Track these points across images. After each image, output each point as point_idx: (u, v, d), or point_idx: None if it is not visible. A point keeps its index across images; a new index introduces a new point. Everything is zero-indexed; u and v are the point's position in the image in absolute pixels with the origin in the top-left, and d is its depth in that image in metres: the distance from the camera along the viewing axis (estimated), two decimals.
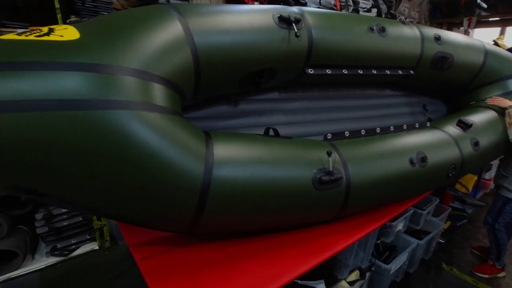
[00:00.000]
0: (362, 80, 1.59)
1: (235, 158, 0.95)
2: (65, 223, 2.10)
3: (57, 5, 1.70)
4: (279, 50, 1.17)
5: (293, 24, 1.16)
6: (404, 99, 1.87)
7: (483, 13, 5.70)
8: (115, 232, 2.31)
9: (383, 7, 3.86)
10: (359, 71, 1.47)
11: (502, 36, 7.38)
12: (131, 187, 0.81)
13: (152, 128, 0.80)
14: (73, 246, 2.16)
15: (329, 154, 1.09)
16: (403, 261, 1.66)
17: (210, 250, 1.06)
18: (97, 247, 2.23)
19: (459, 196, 2.81)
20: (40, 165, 0.73)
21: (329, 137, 1.46)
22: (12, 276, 1.92)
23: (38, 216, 2.00)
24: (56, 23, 1.74)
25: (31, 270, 1.97)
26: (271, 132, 1.21)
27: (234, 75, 1.12)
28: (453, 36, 1.80)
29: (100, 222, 2.21)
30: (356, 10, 3.42)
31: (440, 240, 2.27)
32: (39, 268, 2.00)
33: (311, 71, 1.33)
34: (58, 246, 2.10)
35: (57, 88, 0.71)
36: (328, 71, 1.38)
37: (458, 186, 3.02)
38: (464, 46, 1.78)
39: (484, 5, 5.38)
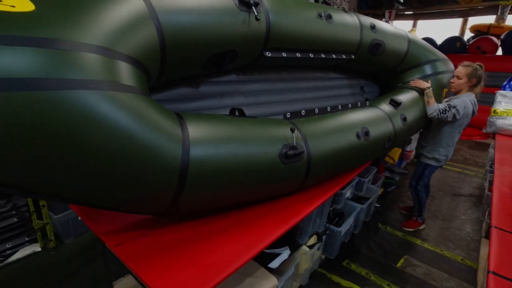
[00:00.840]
0: (312, 64, 1.72)
1: (209, 138, 0.97)
2: None
3: None
4: (240, 33, 1.20)
5: (253, 7, 1.20)
6: (346, 81, 2.08)
7: (401, 7, 6.47)
8: (60, 230, 2.11)
9: None
10: (310, 54, 1.59)
11: (414, 28, 8.49)
12: (108, 172, 0.78)
13: (124, 109, 0.78)
14: (8, 251, 1.93)
15: (292, 130, 1.19)
16: (350, 223, 1.90)
17: (186, 229, 1.09)
18: (39, 249, 2.03)
19: (388, 166, 3.26)
20: (9, 151, 0.66)
21: (288, 116, 1.56)
22: None
23: None
24: None
25: None
26: (236, 113, 1.25)
27: (199, 56, 1.12)
28: (384, 25, 2.04)
29: (42, 221, 2.00)
30: None
31: (376, 205, 2.63)
32: None
33: (268, 54, 1.40)
34: None
35: (6, 65, 0.64)
36: (284, 54, 1.46)
37: (387, 158, 3.49)
38: (393, 35, 2.04)
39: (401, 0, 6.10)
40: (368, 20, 1.91)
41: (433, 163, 2.24)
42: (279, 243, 1.49)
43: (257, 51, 1.36)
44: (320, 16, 1.55)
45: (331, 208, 1.78)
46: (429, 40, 5.71)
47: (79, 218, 2.19)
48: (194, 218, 1.15)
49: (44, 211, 1.98)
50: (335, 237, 1.78)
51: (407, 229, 2.45)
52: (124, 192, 0.83)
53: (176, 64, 1.06)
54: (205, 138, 0.96)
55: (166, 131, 0.86)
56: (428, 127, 2.25)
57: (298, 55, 1.53)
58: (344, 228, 1.80)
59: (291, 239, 1.55)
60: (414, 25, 8.69)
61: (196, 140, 0.93)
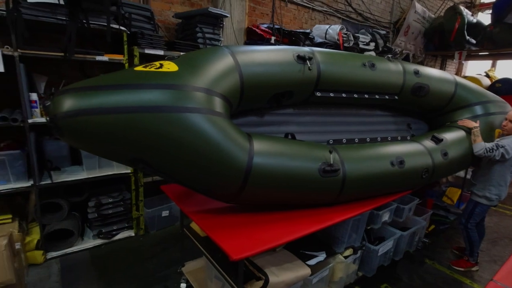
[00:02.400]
0: (356, 102, 2.07)
1: (267, 151, 1.40)
2: (110, 212, 2.52)
3: (125, 38, 2.23)
4: (296, 78, 1.66)
5: (307, 61, 1.66)
6: (391, 118, 2.34)
7: (473, 48, 6.30)
8: (148, 222, 2.72)
9: (380, 42, 4.44)
10: (354, 95, 1.95)
11: (493, 68, 8.00)
12: (201, 166, 1.26)
13: (216, 127, 1.26)
14: (113, 232, 2.57)
15: (330, 152, 1.55)
16: (389, 246, 2.06)
17: (245, 216, 1.50)
18: (133, 234, 2.64)
19: (444, 206, 3.21)
20: (146, 145, 1.19)
21: (331, 142, 1.91)
22: (68, 252, 2.32)
23: (91, 203, 2.43)
24: (122, 51, 2.26)
25: (83, 248, 2.38)
26: (289, 136, 1.67)
27: (265, 94, 1.60)
28: (430, 70, 2.29)
29: (138, 213, 2.63)
30: (356, 44, 3.97)
31: (425, 240, 2.66)
32: (88, 247, 2.41)
33: (318, 94, 1.81)
34: (103, 230, 2.51)
35: (155, 98, 1.17)
36: (331, 94, 1.86)
37: (444, 199, 3.44)
38: (438, 79, 2.27)
39: (473, 41, 5.98)
40: (412, 66, 2.20)
41: (483, 201, 2.26)
42: (317, 247, 1.78)
43: (309, 92, 1.79)
44: (364, 65, 1.93)
45: (368, 227, 1.99)
46: (507, 81, 5.39)
47: (162, 214, 2.78)
48: (251, 209, 1.56)
49: (141, 205, 2.62)
50: (371, 255, 1.96)
51: (457, 268, 2.42)
52: (211, 180, 1.30)
53: (249, 100, 1.55)
54: (264, 151, 1.39)
55: (240, 144, 1.32)
56: (479, 165, 2.31)
57: (343, 95, 1.91)
58: (381, 248, 1.98)
59: (328, 247, 1.82)
60: (493, 65, 8.20)
61: (258, 152, 1.37)
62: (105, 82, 1.17)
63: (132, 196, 2.58)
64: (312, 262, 1.65)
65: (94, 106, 1.10)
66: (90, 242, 2.44)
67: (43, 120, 2.06)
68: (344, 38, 3.76)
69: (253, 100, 1.58)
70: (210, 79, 1.33)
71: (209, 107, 1.27)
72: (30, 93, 2.04)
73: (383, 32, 4.64)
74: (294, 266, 1.50)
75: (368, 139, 2.08)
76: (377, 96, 2.05)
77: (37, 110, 2.07)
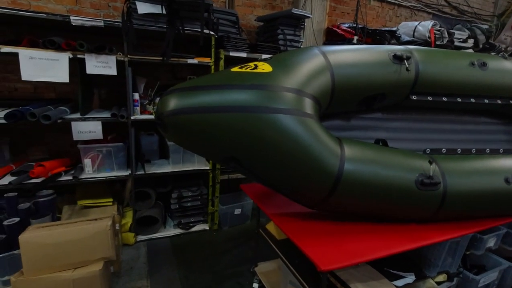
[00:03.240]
0: (457, 107, 1.81)
1: (359, 157, 1.31)
2: (189, 204, 2.71)
3: (213, 42, 2.37)
4: (391, 80, 1.52)
5: (405, 60, 1.51)
6: (501, 126, 1.99)
7: None
8: (221, 218, 2.84)
9: (481, 38, 3.86)
10: (457, 99, 1.71)
11: None
12: (290, 167, 1.24)
13: (307, 129, 1.23)
14: (191, 224, 2.75)
15: (430, 162, 1.38)
16: (492, 278, 1.74)
17: (329, 223, 1.43)
18: (207, 228, 2.78)
19: None
20: (238, 144, 1.21)
21: (428, 152, 1.71)
22: (153, 237, 2.57)
23: (174, 195, 2.64)
24: (210, 54, 2.41)
25: (165, 235, 2.61)
26: (380, 143, 1.54)
27: (356, 97, 1.50)
28: None
29: (213, 208, 2.77)
30: (451, 41, 3.53)
31: None
32: (169, 235, 2.63)
33: (414, 97, 1.63)
34: (182, 221, 2.72)
35: (246, 98, 1.18)
36: (429, 98, 1.66)
37: None
38: None
39: None
40: None
41: None
42: (404, 267, 1.60)
43: (404, 95, 1.63)
44: (472, 64, 1.67)
45: (467, 252, 1.71)
46: None
47: (235, 212, 2.87)
48: (334, 217, 1.48)
49: (217, 201, 2.75)
50: (470, 285, 1.68)
51: None
52: (299, 183, 1.27)
53: (339, 102, 1.48)
54: (356, 157, 1.31)
55: (331, 148, 1.26)
56: None
57: (444, 99, 1.69)
58: (483, 279, 1.68)
59: (418, 268, 1.62)
60: None
61: (350, 158, 1.29)
62: (205, 83, 1.25)
63: (209, 191, 2.72)
64: (399, 283, 1.49)
65: (193, 105, 1.18)
66: (171, 231, 2.66)
67: (142, 117, 2.32)
68: (437, 35, 3.36)
69: (343, 102, 1.50)
70: (301, 80, 1.31)
71: (300, 109, 1.25)
72: (133, 93, 2.32)
73: (485, 26, 4.02)
74: (380, 285, 1.37)
75: (473, 150, 1.80)
76: (486, 101, 1.76)
77: (138, 108, 2.34)
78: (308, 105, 1.29)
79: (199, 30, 2.25)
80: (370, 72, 1.47)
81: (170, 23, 2.21)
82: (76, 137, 2.12)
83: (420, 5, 4.09)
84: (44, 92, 2.53)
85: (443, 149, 1.74)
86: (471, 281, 1.68)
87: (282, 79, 1.26)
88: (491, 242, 1.73)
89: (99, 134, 2.17)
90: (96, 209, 2.40)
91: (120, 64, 2.15)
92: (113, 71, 2.12)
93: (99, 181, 2.28)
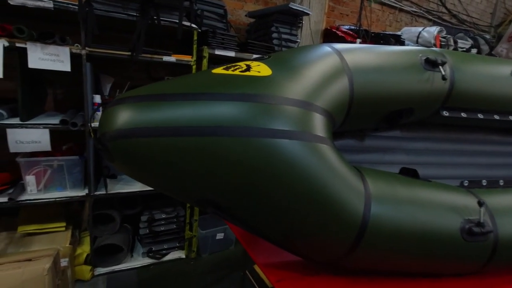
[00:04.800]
0: (494, 125, 1.49)
1: (388, 196, 0.95)
2: (162, 228, 2.27)
3: (195, 37, 1.97)
4: (421, 91, 1.17)
5: (440, 66, 1.16)
6: None
7: None
8: (201, 245, 2.42)
9: (484, 48, 3.64)
10: (495, 116, 1.38)
11: None
12: (295, 216, 0.85)
13: (318, 159, 0.85)
14: (164, 251, 2.32)
15: (480, 204, 1.02)
16: None
17: (346, 282, 1.05)
18: (183, 256, 2.35)
19: None
20: (220, 182, 0.82)
21: (466, 184, 1.37)
22: (115, 269, 2.12)
23: (143, 218, 2.20)
24: (191, 52, 2.00)
25: (131, 267, 2.16)
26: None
27: (377, 112, 1.14)
28: None
29: (191, 233, 2.34)
30: (455, 50, 3.28)
31: None
32: (136, 266, 2.18)
33: (446, 113, 1.29)
34: (153, 248, 2.27)
35: (230, 115, 0.79)
36: (463, 115, 1.32)
37: None
38: None
39: None
40: None
41: None
42: None
43: (433, 110, 1.28)
44: None
45: None
46: None
47: (216, 237, 2.46)
48: (354, 273, 1.10)
49: (195, 225, 2.33)
50: None
51: None
52: (307, 236, 0.88)
53: (357, 117, 1.11)
54: (385, 196, 0.94)
55: (352, 185, 0.88)
56: None
57: (480, 116, 1.35)
58: None
59: None
60: None
61: (377, 197, 0.92)
62: (173, 90, 0.84)
63: (186, 213, 2.30)
64: None
65: (154, 124, 0.77)
66: (139, 261, 2.22)
67: None
68: (443, 43, 3.10)
69: (362, 118, 1.14)
70: (311, 88, 0.93)
71: (308, 130, 0.87)
72: (94, 95, 1.88)
73: (488, 36, 3.81)
74: None
75: None
76: None
77: (100, 114, 1.90)
78: (320, 124, 0.91)
79: (177, 21, 1.84)
80: (398, 79, 1.12)
81: (142, 11, 1.80)
82: (13, 148, 1.66)
83: (421, 11, 3.85)
84: None
85: (484, 181, 1.40)
86: None
87: (285, 86, 0.88)
88: None
89: (45, 145, 1.72)
90: (42, 236, 1.93)
91: (77, 59, 1.71)
92: (65, 67, 1.68)
93: (45, 204, 1.81)
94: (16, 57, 1.64)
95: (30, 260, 1.42)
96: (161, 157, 0.79)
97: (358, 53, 1.10)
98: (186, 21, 1.92)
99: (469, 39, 3.60)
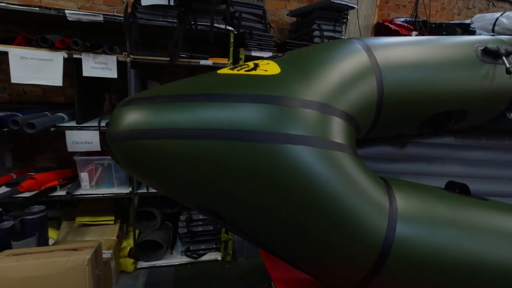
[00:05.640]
0: None
1: (421, 215, 0.79)
2: (199, 229, 2.32)
3: (231, 39, 1.97)
4: (477, 89, 0.96)
5: (504, 58, 0.94)
6: None
7: None
8: (237, 248, 2.41)
9: None
10: None
11: None
12: (308, 232, 0.76)
13: (335, 170, 0.74)
14: (201, 251, 2.36)
15: None
16: None
17: None
18: (219, 258, 2.37)
19: None
20: (221, 191, 0.76)
21: None
22: (155, 265, 2.23)
23: (182, 217, 2.28)
24: (228, 54, 2.01)
25: (170, 264, 2.25)
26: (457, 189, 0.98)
27: (417, 115, 0.97)
28: None
29: (227, 236, 2.35)
30: None
31: None
32: (174, 264, 2.27)
33: None
34: (191, 248, 2.34)
35: (238, 119, 0.73)
36: None
37: None
38: None
39: None
40: None
41: None
42: None
43: (496, 112, 1.05)
44: None
45: None
46: None
47: None
48: None
49: None
50: None
51: None
52: (319, 255, 0.78)
53: (388, 122, 0.96)
54: (416, 215, 0.78)
55: (374, 200, 0.75)
56: None
57: None
58: None
59: None
60: None
61: (405, 216, 0.77)
62: (180, 91, 0.82)
63: None
64: None
65: (158, 125, 0.75)
66: (177, 258, 2.30)
67: None
68: None
69: (396, 123, 0.98)
70: (328, 89, 0.83)
71: (325, 136, 0.77)
72: None
73: None
74: None
75: None
76: None
77: None
78: (339, 130, 0.80)
79: (215, 25, 1.86)
80: (443, 77, 0.93)
81: (180, 17, 1.86)
82: (70, 148, 1.86)
83: None
84: (53, 95, 2.35)
85: None
86: None
87: (295, 86, 0.79)
88: None
89: (96, 146, 1.89)
90: (95, 227, 2.14)
91: (123, 66, 1.85)
92: (113, 74, 1.82)
93: (96, 198, 2.00)
94: (73, 66, 1.84)
95: (75, 250, 1.57)
96: (163, 160, 0.77)
97: (394, 49, 0.96)
98: (223, 23, 1.94)
99: None
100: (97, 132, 1.88)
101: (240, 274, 2.25)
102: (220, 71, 0.86)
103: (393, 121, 0.96)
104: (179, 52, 1.87)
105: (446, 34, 2.41)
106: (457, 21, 2.57)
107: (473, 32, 2.50)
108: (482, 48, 0.96)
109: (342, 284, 0.84)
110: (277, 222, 0.78)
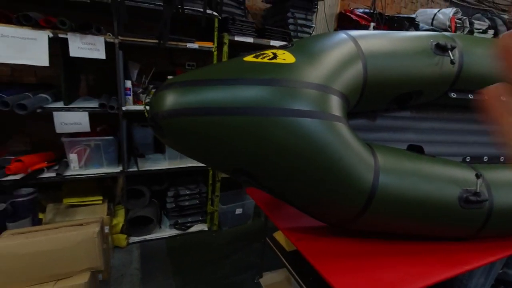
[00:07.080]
0: None
1: (395, 169, 1.09)
2: (186, 203, 2.49)
3: (216, 24, 2.09)
4: (430, 75, 1.28)
5: (449, 52, 1.27)
6: None
7: None
8: (222, 219, 2.63)
9: (502, 28, 3.59)
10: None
11: None
12: (316, 183, 1.01)
13: (335, 136, 0.99)
14: (188, 224, 2.54)
15: (478, 176, 1.16)
16: None
17: (354, 242, 1.22)
18: (206, 229, 2.58)
19: None
20: (250, 154, 0.97)
21: (468, 160, 1.49)
22: (147, 239, 2.36)
23: (170, 193, 2.42)
24: (212, 38, 2.13)
25: (160, 237, 2.40)
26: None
27: (389, 94, 1.26)
28: None
29: (212, 207, 2.55)
30: (471, 32, 3.28)
31: None
32: (165, 236, 2.42)
33: (453, 95, 1.40)
34: (179, 221, 2.50)
35: (255, 97, 0.94)
36: (470, 96, 1.43)
37: None
38: None
39: None
40: None
41: None
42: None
43: (441, 92, 1.39)
44: None
45: (500, 271, 1.53)
46: None
47: (236, 212, 2.67)
48: (358, 234, 1.27)
49: (217, 200, 2.53)
50: None
51: None
52: (326, 201, 1.05)
53: (369, 100, 1.24)
54: (391, 168, 1.08)
55: (365, 159, 1.03)
56: None
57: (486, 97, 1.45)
58: None
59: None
60: None
61: (384, 169, 1.06)
62: (212, 75, 0.99)
63: (208, 190, 2.50)
64: None
65: (197, 104, 0.93)
66: (166, 232, 2.45)
67: (134, 107, 2.06)
68: (458, 25, 3.11)
69: (374, 100, 1.26)
70: (329, 73, 1.06)
71: (326, 110, 1.01)
72: (125, 81, 2.05)
73: (505, 17, 3.75)
74: None
75: None
76: None
77: (130, 98, 2.07)
78: (336, 105, 1.05)
79: (201, 9, 1.96)
80: (409, 64, 1.23)
81: (168, 0, 1.92)
82: (59, 129, 1.86)
83: None
84: (23, 76, 2.24)
85: (485, 157, 1.52)
86: None
87: (307, 72, 1.01)
88: None
89: (85, 127, 1.92)
90: (83, 208, 2.17)
91: (109, 47, 1.87)
92: (101, 55, 1.84)
93: (85, 179, 2.03)
94: (58, 46, 1.81)
95: (81, 225, 1.65)
96: (203, 133, 0.95)
97: (372, 40, 1.22)
98: (208, 8, 2.04)
99: (486, 20, 3.56)
100: (86, 113, 1.90)
101: (227, 240, 2.50)
102: (245, 58, 1.04)
103: (372, 98, 1.24)
104: (167, 34, 1.94)
105: (397, 26, 2.81)
106: (405, 15, 2.99)
107: (417, 25, 2.94)
108: (436, 43, 1.28)
109: (341, 220, 1.13)
110: (293, 177, 1.01)
